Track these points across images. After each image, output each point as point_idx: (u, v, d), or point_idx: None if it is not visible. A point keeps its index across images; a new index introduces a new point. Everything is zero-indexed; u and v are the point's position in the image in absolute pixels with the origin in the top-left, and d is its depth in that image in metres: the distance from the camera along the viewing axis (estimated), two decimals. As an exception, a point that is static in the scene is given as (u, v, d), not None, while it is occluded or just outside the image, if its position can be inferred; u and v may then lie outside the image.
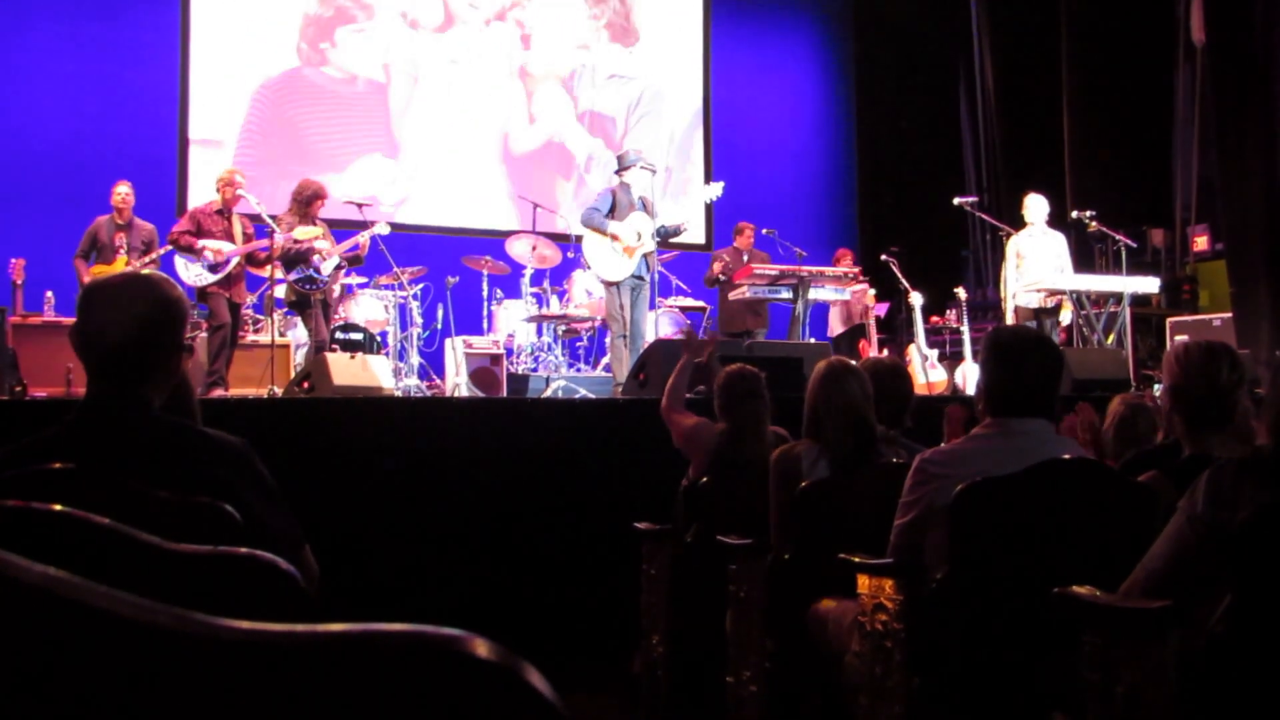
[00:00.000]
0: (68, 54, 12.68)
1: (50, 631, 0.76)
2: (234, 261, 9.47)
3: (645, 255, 9.76)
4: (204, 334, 9.52)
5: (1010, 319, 10.87)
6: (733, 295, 11.33)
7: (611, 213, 9.82)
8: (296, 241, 9.42)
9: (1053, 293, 10.64)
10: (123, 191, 9.99)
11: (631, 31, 15.70)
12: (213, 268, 9.33)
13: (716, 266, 12.42)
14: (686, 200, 11.07)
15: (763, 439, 5.07)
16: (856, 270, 11.57)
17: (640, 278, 9.80)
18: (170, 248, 9.49)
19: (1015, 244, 11.07)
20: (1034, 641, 3.13)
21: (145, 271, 2.65)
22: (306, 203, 9.76)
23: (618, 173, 10.17)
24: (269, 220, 9.27)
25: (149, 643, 0.75)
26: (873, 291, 12.84)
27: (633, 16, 15.72)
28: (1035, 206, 11.03)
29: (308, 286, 9.59)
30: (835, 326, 13.21)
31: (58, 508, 1.70)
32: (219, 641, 0.76)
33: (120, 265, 9.68)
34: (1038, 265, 10.74)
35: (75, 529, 1.65)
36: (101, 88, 12.77)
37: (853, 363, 4.58)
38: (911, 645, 3.32)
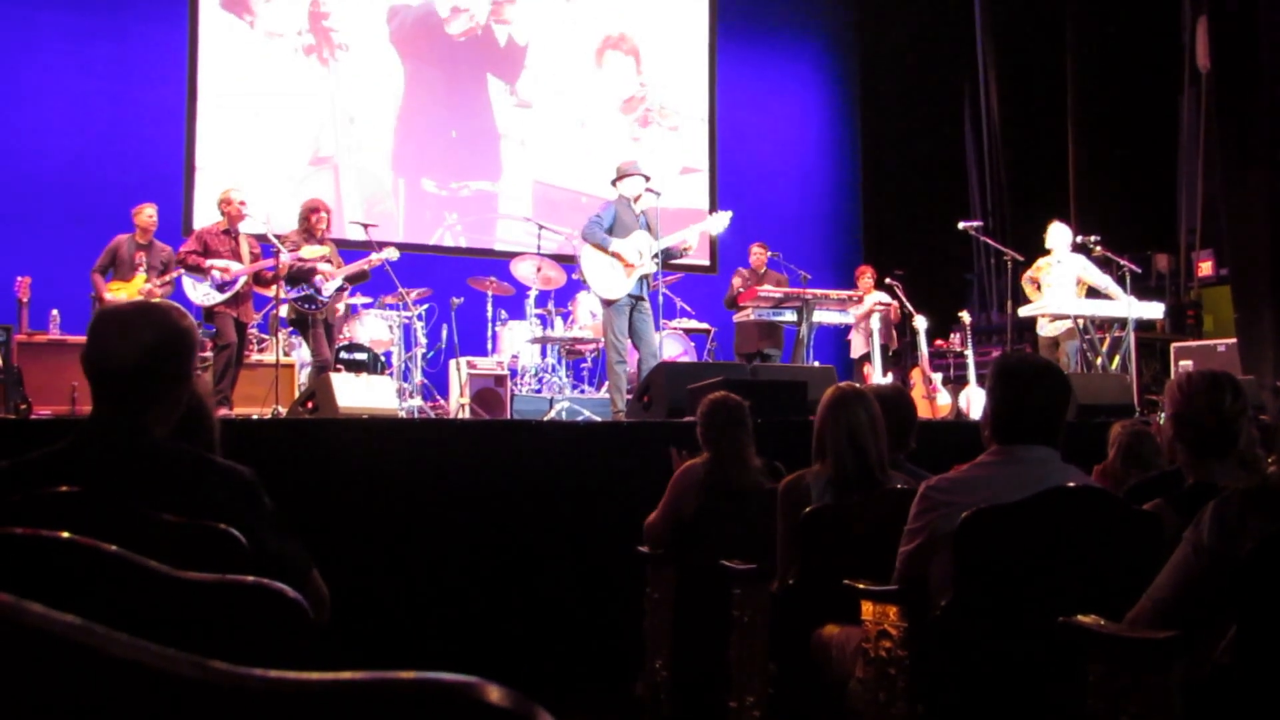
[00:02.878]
0: (75, 74, 12.72)
1: (74, 682, 0.76)
2: (241, 281, 9.48)
3: (644, 276, 9.59)
4: (209, 353, 9.53)
5: (1045, 351, 10.88)
6: (738, 317, 11.34)
7: (613, 230, 9.63)
8: (302, 260, 9.43)
9: (1056, 317, 10.65)
10: (149, 213, 10.09)
11: (636, 53, 15.72)
12: (220, 287, 9.35)
13: (737, 281, 12.40)
14: (692, 223, 11.02)
15: (747, 467, 5.03)
16: (870, 294, 11.57)
17: (639, 297, 9.60)
18: (179, 270, 9.49)
19: (1029, 274, 11.08)
20: (1039, 670, 3.13)
21: (157, 300, 2.64)
22: (304, 219, 9.78)
23: (614, 182, 9.95)
24: (274, 240, 9.29)
25: (170, 692, 0.76)
26: (894, 303, 12.69)
27: (637, 39, 15.75)
28: (1056, 234, 11.01)
29: (307, 306, 9.58)
30: (858, 347, 13.07)
31: (66, 535, 1.70)
32: (240, 691, 0.76)
33: (139, 283, 9.72)
34: (1057, 293, 10.70)
35: (83, 556, 1.65)
36: (109, 108, 12.81)
37: (861, 388, 4.57)
38: (915, 672, 3.32)
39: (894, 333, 12.84)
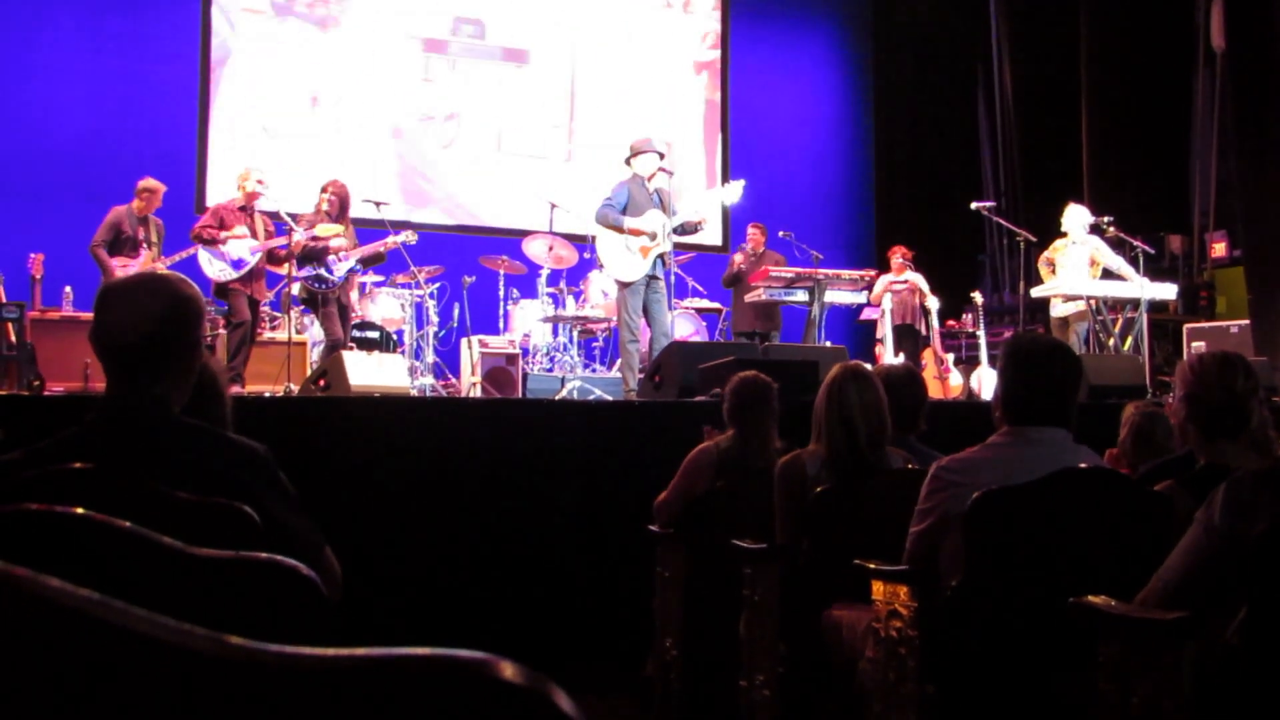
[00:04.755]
0: (88, 50, 12.73)
1: (89, 655, 0.77)
2: (256, 258, 9.49)
3: (661, 255, 9.56)
4: (223, 331, 9.53)
5: (1056, 331, 10.83)
6: (748, 297, 11.29)
7: (626, 209, 9.56)
8: (315, 239, 9.42)
9: (1070, 298, 10.63)
10: (156, 189, 10.02)
11: (648, 30, 15.69)
12: (235, 263, 9.34)
13: (738, 258, 12.39)
14: (704, 200, 10.95)
15: (769, 447, 5.05)
16: (903, 274, 11.49)
17: (654, 276, 9.55)
18: (195, 246, 9.46)
19: (1045, 256, 11.04)
20: (1049, 650, 3.14)
21: (161, 271, 2.64)
22: (342, 207, 9.80)
23: (628, 160, 9.88)
24: (287, 218, 9.28)
25: (187, 668, 0.76)
26: (924, 285, 12.59)
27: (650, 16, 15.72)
28: (1073, 216, 10.96)
29: (318, 285, 9.58)
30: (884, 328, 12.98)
31: (79, 511, 1.71)
32: (254, 666, 0.76)
33: (148, 261, 9.69)
34: (1070, 275, 10.66)
35: (96, 532, 1.66)
36: (122, 84, 12.82)
37: (866, 367, 4.57)
38: (926, 652, 3.32)
39: (921, 314, 12.68)
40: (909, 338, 12.42)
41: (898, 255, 12.74)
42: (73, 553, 1.70)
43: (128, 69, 12.87)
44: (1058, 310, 10.94)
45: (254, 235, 9.56)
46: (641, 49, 15.59)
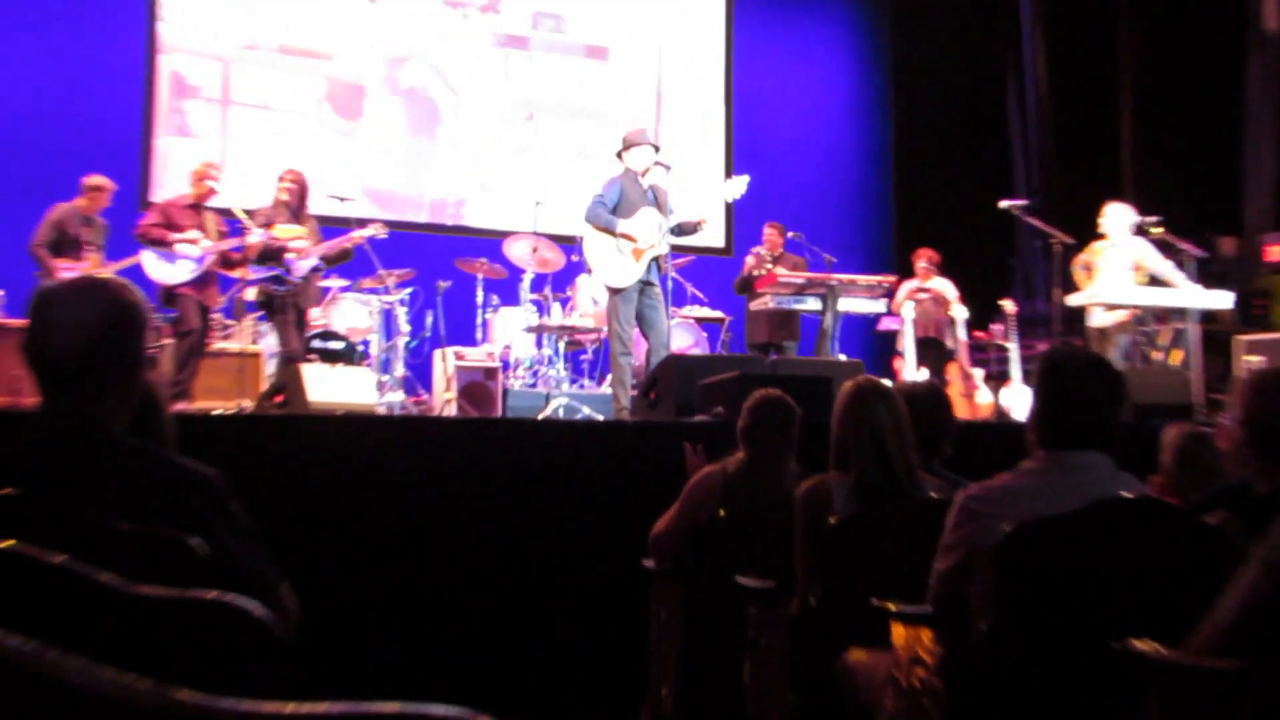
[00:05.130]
0: (21, 31, 12.67)
1: (19, 712, 0.75)
2: (207, 261, 9.44)
3: (656, 258, 9.51)
4: (169, 340, 9.49)
5: (1095, 344, 10.81)
6: (754, 305, 11.27)
7: (618, 208, 9.52)
8: (274, 240, 9.39)
9: (1111, 306, 10.61)
10: (105, 188, 10.02)
11: (645, 12, 15.70)
12: (185, 265, 9.26)
13: (750, 262, 12.31)
14: (705, 197, 10.86)
15: (783, 475, 5.03)
16: (930, 279, 11.49)
17: (648, 282, 9.51)
18: (140, 251, 9.41)
19: (1082, 259, 11.03)
20: (1089, 702, 3.12)
21: (103, 275, 2.61)
22: (301, 199, 9.79)
23: (620, 154, 9.86)
24: (242, 216, 9.25)
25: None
26: (952, 293, 12.55)
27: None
28: (1114, 216, 10.94)
29: (275, 286, 9.56)
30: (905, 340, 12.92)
31: (8, 543, 1.69)
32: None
33: (94, 264, 9.66)
34: (1111, 280, 10.65)
35: (27, 568, 1.64)
36: (59, 68, 12.75)
37: (885, 383, 4.56)
38: (952, 704, 3.31)
39: (947, 325, 12.59)
40: (933, 351, 12.37)
41: (923, 259, 12.68)
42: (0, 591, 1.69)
43: (66, 49, 12.79)
44: (1097, 320, 10.93)
45: (204, 235, 9.52)
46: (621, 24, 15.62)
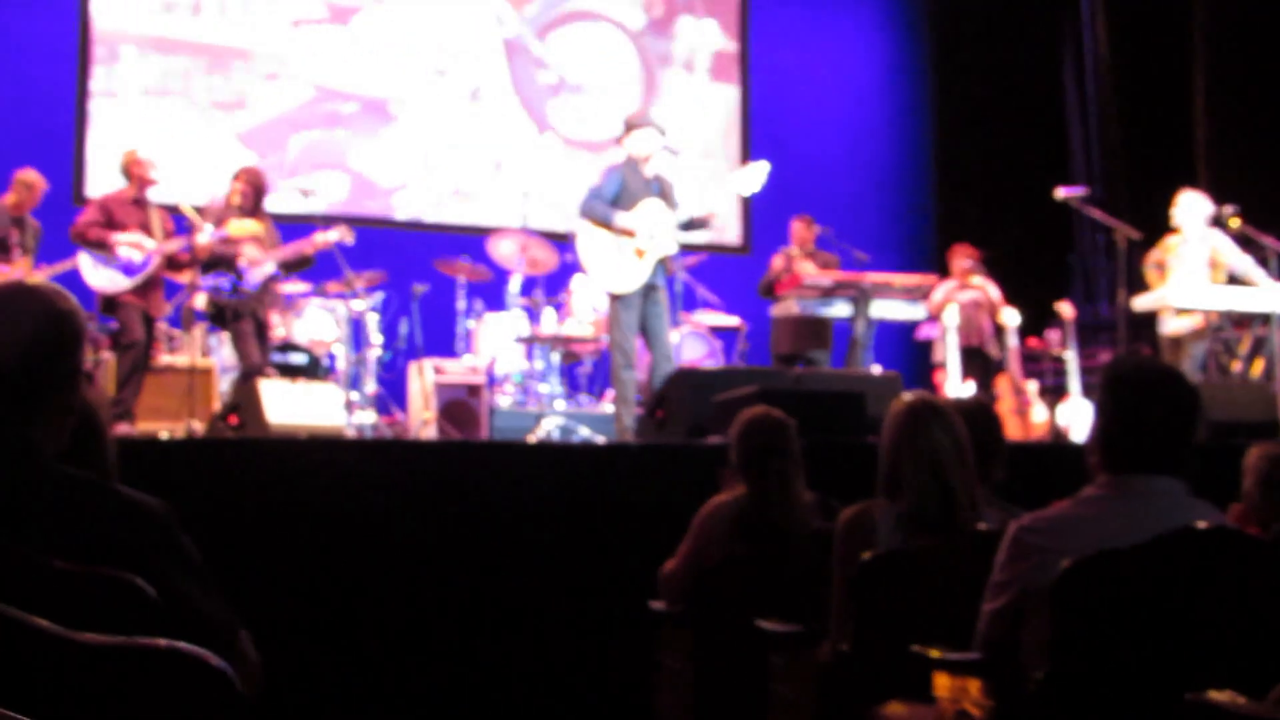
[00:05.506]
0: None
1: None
2: (153, 263, 9.37)
3: (662, 258, 9.39)
4: (108, 354, 9.48)
5: (1167, 353, 10.79)
6: (775, 310, 11.26)
7: (618, 200, 9.35)
8: (227, 240, 9.35)
9: (1183, 310, 10.59)
10: (35, 184, 10.01)
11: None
12: (128, 269, 9.21)
13: (778, 263, 12.25)
14: (717, 188, 10.76)
15: (793, 502, 5.03)
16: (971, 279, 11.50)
17: (653, 285, 9.38)
18: (77, 253, 9.36)
19: (1154, 258, 11.01)
20: (1160, 761, 3.13)
21: (31, 281, 2.60)
22: (233, 188, 9.74)
23: (619, 140, 9.70)
24: (190, 212, 9.20)
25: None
26: (996, 295, 12.53)
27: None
28: (1187, 207, 10.93)
29: (228, 295, 9.48)
30: (942, 350, 12.92)
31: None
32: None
33: (24, 268, 9.66)
34: (1185, 280, 10.64)
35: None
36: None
37: (939, 400, 4.56)
38: (1003, 763, 3.32)
39: (995, 333, 12.58)
40: (976, 363, 12.32)
41: (962, 257, 12.68)
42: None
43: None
44: (1169, 326, 10.91)
45: (150, 233, 9.47)
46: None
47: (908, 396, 4.51)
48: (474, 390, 11.37)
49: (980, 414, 4.87)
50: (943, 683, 3.43)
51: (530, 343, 11.73)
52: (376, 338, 11.61)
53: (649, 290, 9.36)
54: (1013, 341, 12.33)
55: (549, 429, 10.23)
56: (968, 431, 4.36)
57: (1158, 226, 11.15)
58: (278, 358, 10.30)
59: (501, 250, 11.91)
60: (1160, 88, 14.96)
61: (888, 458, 4.36)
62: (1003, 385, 12.24)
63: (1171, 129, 14.47)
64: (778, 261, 12.24)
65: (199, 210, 9.37)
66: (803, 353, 11.81)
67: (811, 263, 11.82)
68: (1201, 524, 3.28)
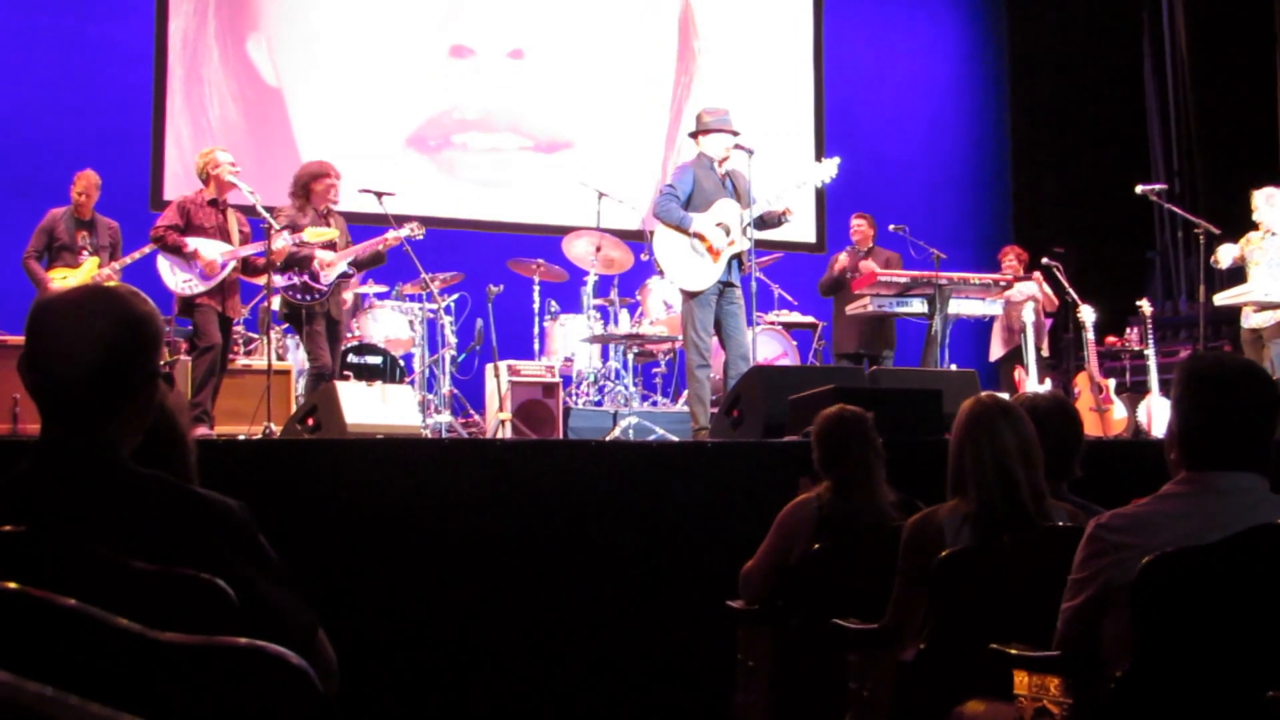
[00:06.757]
0: (13, 9, 12.76)
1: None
2: (230, 266, 9.37)
3: (737, 256, 9.43)
4: (185, 357, 9.51)
5: (1248, 349, 10.71)
6: (850, 309, 11.21)
7: (691, 200, 9.42)
8: (303, 244, 9.41)
9: (1264, 306, 10.50)
10: (86, 181, 10.07)
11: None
12: (205, 273, 9.20)
13: (843, 259, 12.29)
14: (792, 185, 10.68)
15: (876, 495, 5.03)
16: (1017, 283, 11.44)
17: (728, 284, 9.44)
18: (154, 247, 9.40)
19: (1229, 251, 10.92)
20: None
21: (109, 284, 2.62)
22: (304, 187, 9.76)
23: (694, 135, 9.79)
24: (265, 214, 9.18)
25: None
26: (1047, 291, 12.49)
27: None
28: (1267, 201, 10.84)
29: (301, 297, 9.55)
30: (996, 349, 12.91)
31: (11, 586, 1.72)
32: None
33: (91, 269, 9.73)
34: (1266, 276, 10.55)
35: (33, 612, 1.66)
36: (58, 49, 12.83)
37: (1008, 399, 4.54)
38: (1084, 762, 3.30)
39: (1045, 332, 12.59)
40: (1011, 363, 12.28)
41: (1011, 257, 12.68)
42: (4, 637, 1.71)
43: (65, 28, 12.87)
44: (1250, 321, 10.82)
45: (227, 237, 9.48)
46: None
47: (984, 396, 4.49)
48: (549, 390, 11.36)
49: (1060, 412, 4.84)
50: (1022, 680, 3.42)
51: (605, 343, 11.74)
52: (451, 339, 11.61)
53: (724, 288, 9.40)
54: (1091, 336, 12.26)
55: (624, 428, 10.23)
56: (1037, 430, 4.34)
57: (1240, 221, 11.05)
58: (353, 360, 10.32)
59: (576, 250, 11.89)
60: (1240, 83, 14.83)
61: (954, 458, 4.35)
62: (1082, 382, 12.19)
63: (1251, 124, 14.34)
64: (841, 258, 12.24)
65: (272, 211, 9.33)
66: (869, 352, 11.79)
67: (872, 260, 11.80)
68: (1283, 520, 3.26)
